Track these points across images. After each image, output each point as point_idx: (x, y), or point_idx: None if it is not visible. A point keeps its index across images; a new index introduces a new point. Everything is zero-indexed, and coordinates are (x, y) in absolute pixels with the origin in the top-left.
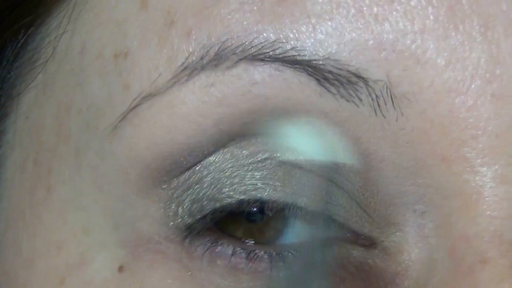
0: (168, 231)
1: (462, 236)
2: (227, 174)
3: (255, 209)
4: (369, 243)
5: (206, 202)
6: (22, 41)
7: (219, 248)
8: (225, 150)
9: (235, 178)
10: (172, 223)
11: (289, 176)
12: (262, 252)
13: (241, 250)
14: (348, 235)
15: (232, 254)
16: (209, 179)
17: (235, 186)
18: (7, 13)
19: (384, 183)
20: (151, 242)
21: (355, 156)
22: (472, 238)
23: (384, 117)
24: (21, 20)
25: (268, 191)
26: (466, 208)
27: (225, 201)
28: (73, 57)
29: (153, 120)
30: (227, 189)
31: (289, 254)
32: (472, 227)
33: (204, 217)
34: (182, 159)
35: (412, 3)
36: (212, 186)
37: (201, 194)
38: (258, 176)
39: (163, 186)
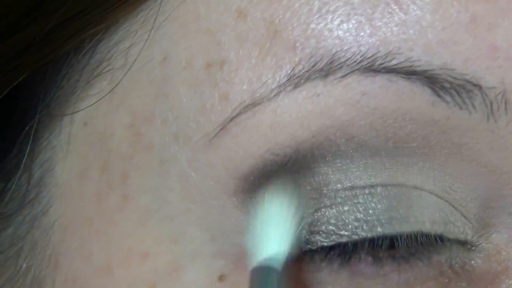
0: None
1: None
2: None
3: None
4: (470, 246)
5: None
6: (86, 50)
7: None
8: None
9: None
10: None
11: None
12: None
13: (366, 255)
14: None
15: (359, 260)
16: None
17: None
18: (73, 21)
19: (484, 188)
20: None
21: (459, 163)
22: None
23: (496, 122)
24: (87, 30)
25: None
26: None
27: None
28: (153, 67)
29: (254, 130)
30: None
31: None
32: None
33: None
34: (275, 171)
35: None
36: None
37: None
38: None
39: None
